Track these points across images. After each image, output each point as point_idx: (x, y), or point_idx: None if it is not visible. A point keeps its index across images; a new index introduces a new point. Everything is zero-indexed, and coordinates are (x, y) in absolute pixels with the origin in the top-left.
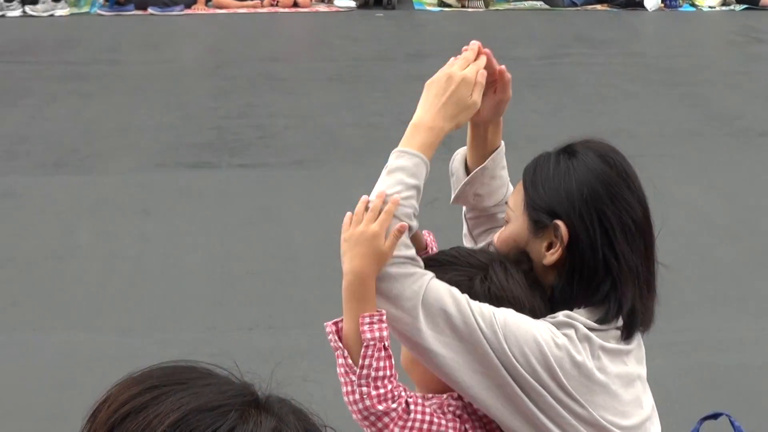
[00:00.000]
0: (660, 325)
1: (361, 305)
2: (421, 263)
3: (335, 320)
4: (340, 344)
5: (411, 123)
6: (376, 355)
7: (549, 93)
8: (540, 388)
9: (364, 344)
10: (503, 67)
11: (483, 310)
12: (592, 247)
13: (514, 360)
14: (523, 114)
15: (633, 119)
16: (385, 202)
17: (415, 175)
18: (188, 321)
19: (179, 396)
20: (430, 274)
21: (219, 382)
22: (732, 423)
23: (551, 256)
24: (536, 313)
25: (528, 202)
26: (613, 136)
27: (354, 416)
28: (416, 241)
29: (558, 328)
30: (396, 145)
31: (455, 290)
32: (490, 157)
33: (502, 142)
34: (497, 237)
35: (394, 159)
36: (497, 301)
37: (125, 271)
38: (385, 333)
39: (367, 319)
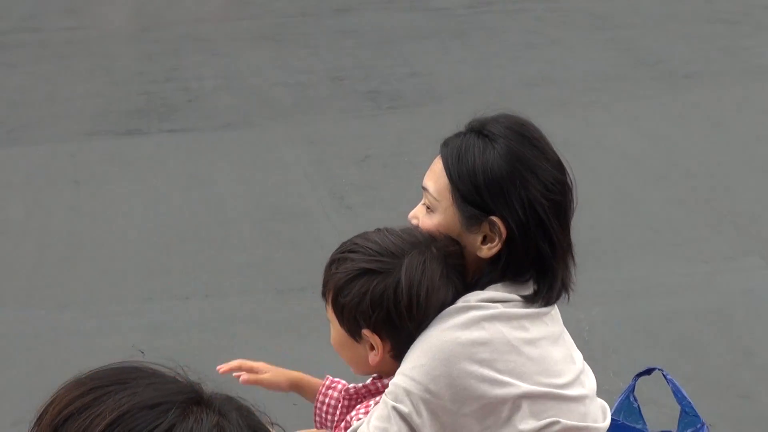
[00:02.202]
0: (594, 274)
1: None
2: None
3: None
4: None
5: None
6: None
7: (475, 43)
8: (477, 403)
9: None
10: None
11: (400, 396)
12: (527, 238)
13: (444, 403)
14: (450, 65)
15: (560, 66)
16: None
17: None
18: (124, 293)
19: (120, 395)
20: None
21: (162, 381)
22: (665, 377)
23: (489, 251)
24: (441, 308)
25: (457, 197)
26: (540, 84)
27: None
28: None
29: (466, 314)
30: (326, 103)
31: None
32: None
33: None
34: (420, 224)
35: None
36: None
37: (59, 245)
38: None
39: None
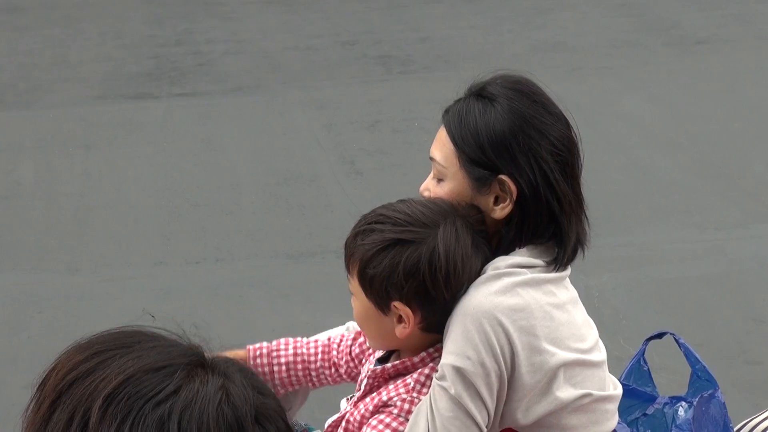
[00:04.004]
0: (604, 241)
1: None
2: None
3: None
4: None
5: None
6: None
7: (486, 8)
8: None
9: None
10: None
11: (451, 376)
12: (536, 196)
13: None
14: (461, 31)
15: (571, 31)
16: None
17: None
18: (135, 257)
19: (125, 359)
20: None
21: (164, 344)
22: (677, 341)
23: (502, 211)
24: (474, 277)
25: (464, 159)
26: (552, 49)
27: None
28: None
29: (500, 281)
30: (336, 68)
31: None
32: None
33: None
34: (432, 194)
35: None
36: (448, 266)
37: (69, 208)
38: None
39: None
